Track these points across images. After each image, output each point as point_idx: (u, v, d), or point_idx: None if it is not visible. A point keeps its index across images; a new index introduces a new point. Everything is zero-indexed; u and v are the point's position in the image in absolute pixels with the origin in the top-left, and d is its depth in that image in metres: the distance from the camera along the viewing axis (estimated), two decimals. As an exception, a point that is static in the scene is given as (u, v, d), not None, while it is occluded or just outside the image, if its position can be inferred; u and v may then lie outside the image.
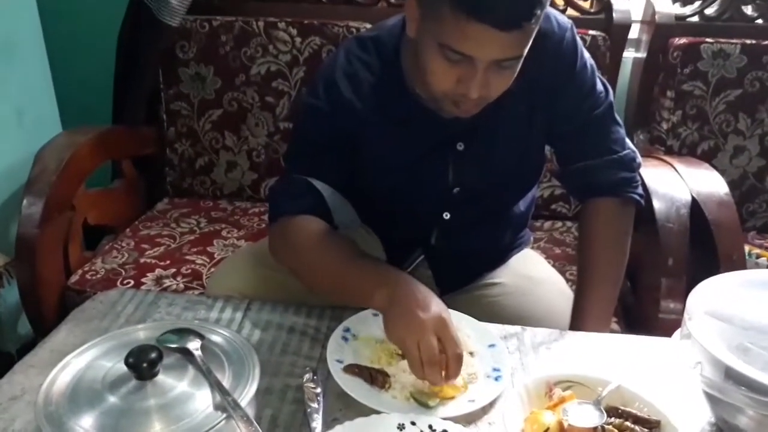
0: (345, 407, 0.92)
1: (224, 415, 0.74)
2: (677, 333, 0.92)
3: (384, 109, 1.09)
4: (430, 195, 1.15)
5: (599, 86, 1.14)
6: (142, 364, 0.77)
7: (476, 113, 1.01)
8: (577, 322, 1.15)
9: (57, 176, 1.49)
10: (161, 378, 0.78)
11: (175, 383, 0.78)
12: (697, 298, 0.89)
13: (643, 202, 1.19)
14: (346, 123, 1.09)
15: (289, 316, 1.12)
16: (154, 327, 0.88)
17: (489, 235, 1.25)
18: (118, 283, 1.46)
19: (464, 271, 1.28)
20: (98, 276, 1.51)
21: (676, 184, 1.39)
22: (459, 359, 0.91)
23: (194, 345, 0.83)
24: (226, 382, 0.79)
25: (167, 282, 1.49)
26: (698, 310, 0.87)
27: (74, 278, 1.52)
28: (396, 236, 1.26)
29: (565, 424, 0.84)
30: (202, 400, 0.76)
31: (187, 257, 1.59)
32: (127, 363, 0.76)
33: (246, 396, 0.77)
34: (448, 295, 1.20)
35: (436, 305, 0.93)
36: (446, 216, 1.19)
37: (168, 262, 1.57)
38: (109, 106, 1.93)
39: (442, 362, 0.90)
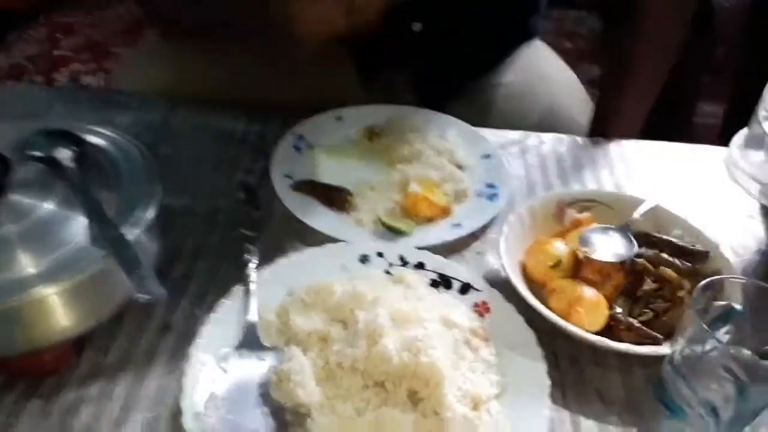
0: (293, 234, 0.70)
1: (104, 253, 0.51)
2: (738, 137, 0.69)
3: None
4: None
5: None
6: (-21, 178, 0.53)
7: None
8: (601, 125, 0.90)
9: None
10: (15, 198, 0.54)
11: (36, 203, 0.54)
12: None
13: None
14: None
15: (224, 119, 0.86)
16: (11, 127, 0.62)
17: (482, 28, 0.94)
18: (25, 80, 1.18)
19: (454, 74, 0.99)
20: (0, 72, 1.22)
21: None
22: None
23: (65, 154, 0.58)
24: (111, 204, 0.56)
25: (86, 79, 1.21)
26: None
27: (-30, 75, 1.23)
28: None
29: (581, 256, 0.63)
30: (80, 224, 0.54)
31: (114, 50, 1.29)
32: (-46, 177, 0.52)
33: (137, 224, 0.54)
34: (432, 103, 0.92)
35: None
36: (416, 27, 0.88)
37: (88, 55, 1.26)
38: None
39: None
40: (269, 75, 0.84)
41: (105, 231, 0.52)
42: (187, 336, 0.59)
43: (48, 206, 0.55)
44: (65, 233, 0.54)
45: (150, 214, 0.56)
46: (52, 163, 0.57)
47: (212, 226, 0.71)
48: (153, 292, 0.49)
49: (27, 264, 0.51)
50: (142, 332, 0.59)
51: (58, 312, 0.52)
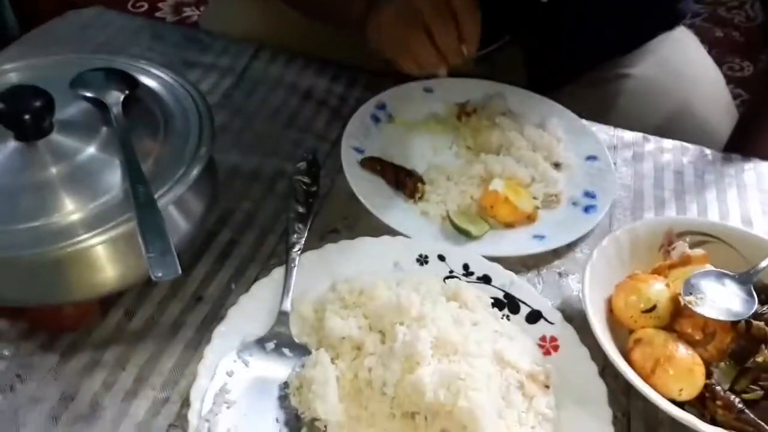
0: (351, 218, 0.63)
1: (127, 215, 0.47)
2: None
3: None
4: None
5: None
6: (22, 114, 0.49)
7: None
8: (741, 139, 0.75)
9: None
10: (58, 139, 0.51)
11: (79, 146, 0.51)
12: None
13: None
14: None
15: (308, 75, 0.80)
16: (67, 62, 0.58)
17: (620, 6, 0.80)
18: (129, 6, 1.17)
19: (575, 58, 0.85)
20: (108, -6, 1.21)
21: None
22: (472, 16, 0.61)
23: (115, 97, 0.53)
24: (155, 157, 0.51)
25: (187, 11, 1.18)
26: None
27: (79, -6, 1.23)
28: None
29: (683, 302, 0.51)
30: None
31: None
32: (-4, 111, 0.49)
33: (177, 185, 0.49)
34: (545, 87, 0.80)
35: None
36: None
37: (193, -14, 1.23)
38: None
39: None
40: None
41: (136, 190, 0.47)
42: (217, 312, 0.54)
43: (91, 150, 0.51)
44: (109, 180, 0.49)
45: (196, 171, 0.51)
46: (100, 105, 0.53)
47: (270, 191, 0.65)
48: (168, 271, 0.43)
49: (69, 210, 0.48)
50: (172, 300, 0.55)
51: (102, 264, 0.48)
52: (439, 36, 0.61)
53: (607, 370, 0.50)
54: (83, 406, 0.48)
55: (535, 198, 0.65)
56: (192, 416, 0.45)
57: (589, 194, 0.66)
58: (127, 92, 0.54)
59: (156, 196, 0.48)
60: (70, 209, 0.48)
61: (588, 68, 0.86)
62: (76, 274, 0.48)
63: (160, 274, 0.43)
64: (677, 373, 0.47)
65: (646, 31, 0.85)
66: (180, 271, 0.43)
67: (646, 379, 0.48)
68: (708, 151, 0.74)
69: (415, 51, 0.62)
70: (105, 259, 0.49)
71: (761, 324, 0.50)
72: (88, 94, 0.53)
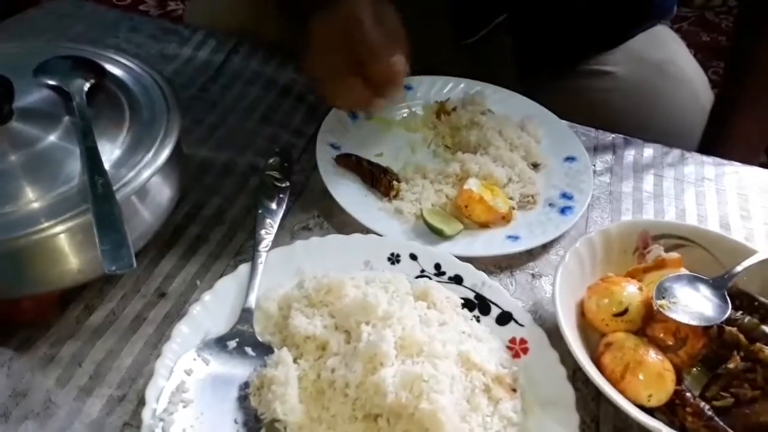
0: (324, 214, 0.62)
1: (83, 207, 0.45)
2: None
3: None
4: None
5: None
6: (-20, 100, 0.48)
7: None
8: (716, 142, 0.75)
9: None
10: (18, 126, 0.49)
11: (40, 134, 0.49)
12: None
13: None
14: None
15: (287, 70, 0.78)
16: (33, 50, 0.57)
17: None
18: None
19: (560, 47, 0.85)
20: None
21: None
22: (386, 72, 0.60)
23: (79, 85, 0.52)
24: (120, 144, 0.50)
25: (172, 5, 1.16)
26: None
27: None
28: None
29: (656, 307, 0.50)
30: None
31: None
32: (-47, 97, 0.47)
33: (139, 175, 0.48)
34: (533, 80, 0.80)
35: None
36: None
37: (178, -20, 1.22)
38: None
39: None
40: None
41: (94, 181, 0.45)
42: (180, 308, 0.53)
43: (51, 139, 0.50)
44: (69, 169, 0.48)
45: (160, 161, 0.49)
46: (62, 93, 0.51)
47: (242, 187, 0.64)
48: (122, 265, 0.42)
49: (28, 199, 0.46)
50: (134, 295, 0.53)
51: (61, 256, 0.47)
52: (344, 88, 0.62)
53: (577, 374, 0.49)
54: (35, 404, 0.46)
55: (511, 198, 0.63)
56: (146, 415, 0.43)
57: (566, 195, 0.65)
58: (92, 81, 0.53)
59: (117, 186, 0.47)
60: (29, 199, 0.46)
61: (574, 61, 0.85)
62: (34, 265, 0.47)
63: (113, 268, 0.42)
64: (647, 379, 0.46)
65: (626, 26, 0.85)
66: (135, 265, 0.42)
67: (615, 384, 0.47)
68: (688, 154, 0.73)
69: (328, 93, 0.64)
70: (64, 251, 0.47)
71: (734, 330, 0.49)
72: (51, 83, 0.52)
